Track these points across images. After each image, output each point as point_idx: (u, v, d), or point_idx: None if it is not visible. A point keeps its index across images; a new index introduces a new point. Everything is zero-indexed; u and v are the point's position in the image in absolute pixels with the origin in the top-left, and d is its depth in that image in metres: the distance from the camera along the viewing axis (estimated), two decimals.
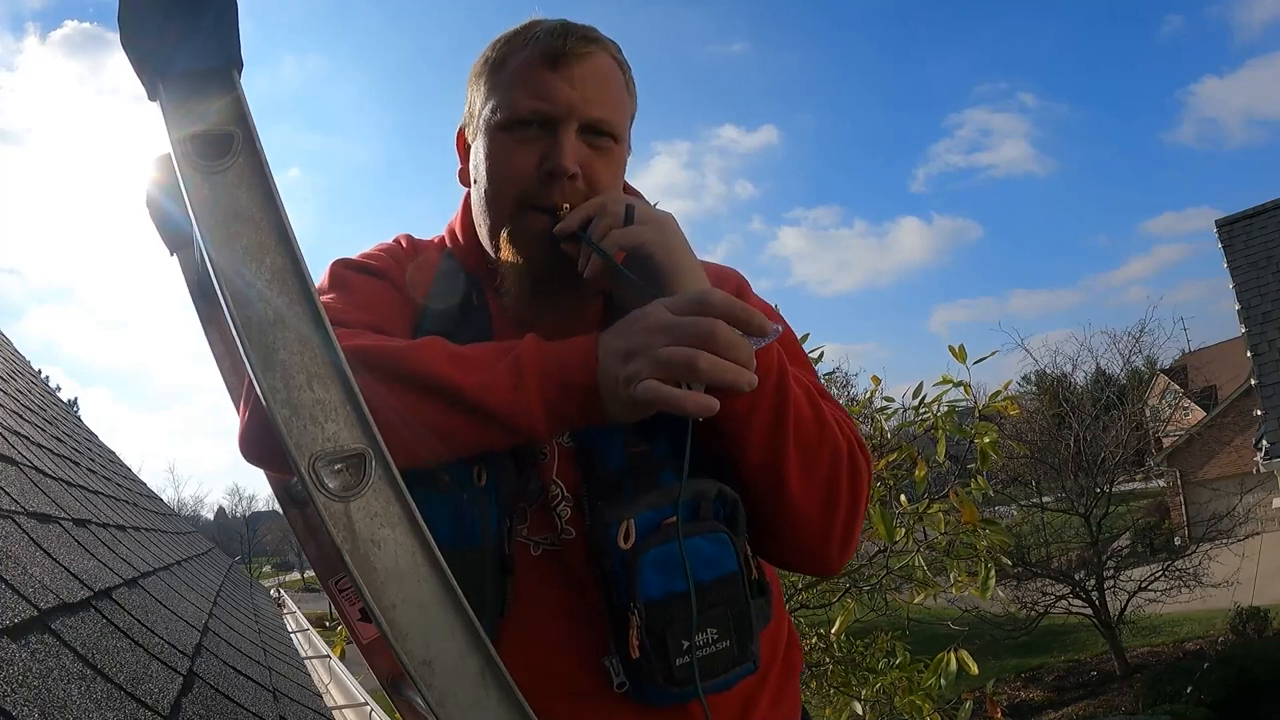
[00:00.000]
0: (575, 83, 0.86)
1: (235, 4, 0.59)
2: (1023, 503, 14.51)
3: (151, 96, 0.60)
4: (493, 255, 0.92)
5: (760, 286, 1.02)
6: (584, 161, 0.86)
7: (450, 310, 0.93)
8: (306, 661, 3.21)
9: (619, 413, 0.75)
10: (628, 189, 1.01)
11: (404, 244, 1.00)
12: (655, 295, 0.77)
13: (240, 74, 0.60)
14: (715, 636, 0.79)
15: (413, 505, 0.58)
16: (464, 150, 0.97)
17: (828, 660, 4.42)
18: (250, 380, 0.65)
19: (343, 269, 0.95)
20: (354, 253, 0.99)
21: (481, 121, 0.91)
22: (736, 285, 0.98)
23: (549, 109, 0.86)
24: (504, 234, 0.89)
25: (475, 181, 0.93)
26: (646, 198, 1.01)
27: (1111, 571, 11.79)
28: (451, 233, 1.00)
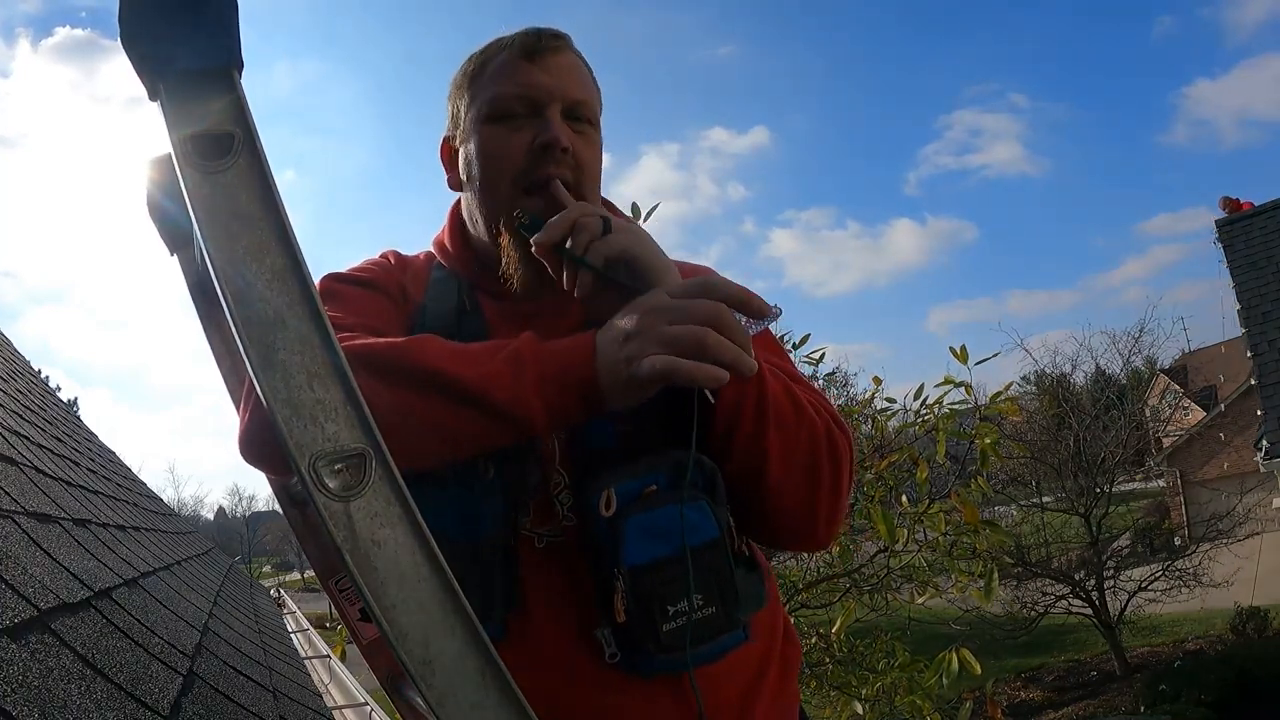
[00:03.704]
0: (553, 71, 0.93)
1: (235, 4, 0.59)
2: (1023, 503, 14.49)
3: (152, 96, 0.60)
4: (491, 245, 0.94)
5: (755, 288, 1.03)
6: (573, 141, 0.91)
7: (445, 316, 0.94)
8: (306, 661, 3.21)
9: (620, 396, 0.76)
10: (608, 203, 1.04)
11: (392, 259, 1.03)
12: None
13: (240, 74, 0.60)
14: (701, 602, 0.80)
15: (413, 505, 0.58)
16: (450, 160, 1.00)
17: (828, 660, 4.42)
18: (250, 380, 0.65)
19: (334, 282, 0.97)
20: (350, 256, 1.03)
21: (469, 122, 0.95)
22: None
23: (533, 93, 0.92)
24: (503, 219, 0.92)
25: (468, 179, 0.96)
26: (637, 202, 1.04)
27: (1111, 571, 11.77)
28: (440, 244, 1.02)
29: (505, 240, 0.91)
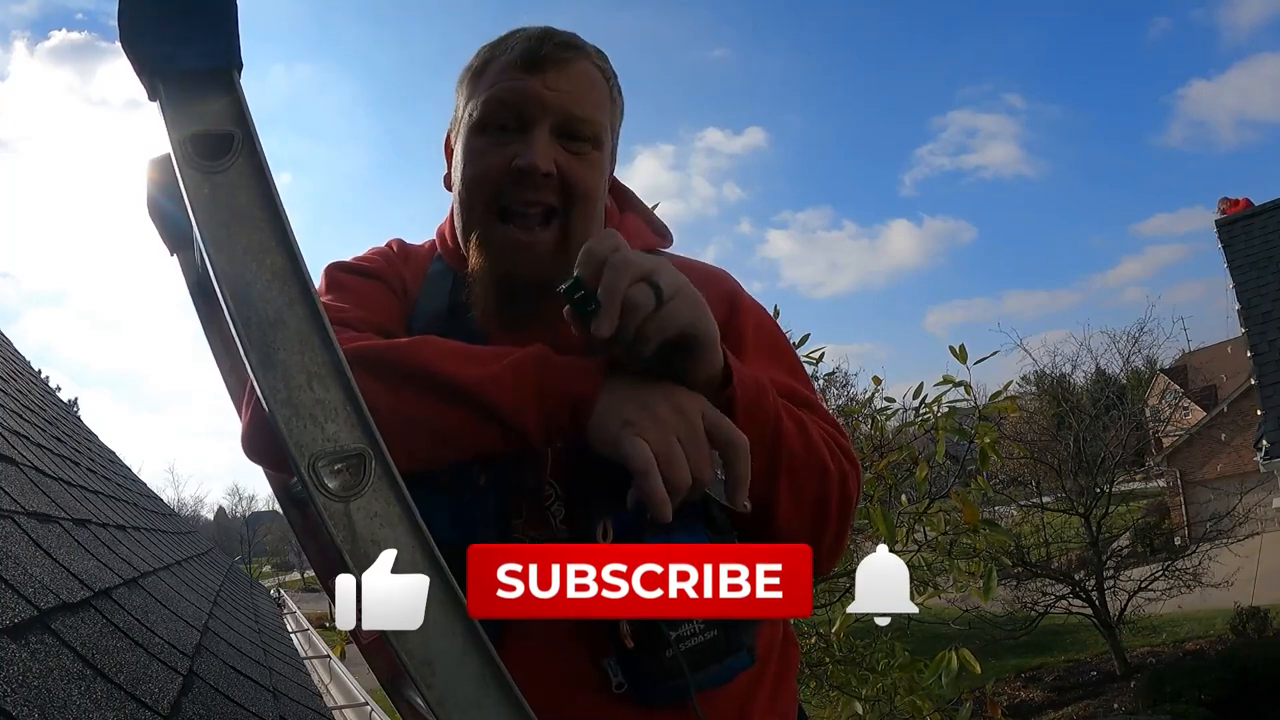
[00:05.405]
0: (551, 85, 0.86)
1: (235, 5, 0.59)
2: (1023, 503, 14.48)
3: (152, 97, 0.60)
4: (465, 259, 0.92)
5: (752, 290, 1.03)
6: (561, 164, 0.86)
7: (440, 311, 0.93)
8: (306, 661, 3.21)
9: (597, 440, 0.74)
10: (621, 189, 1.01)
11: (395, 248, 1.02)
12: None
13: (240, 75, 0.60)
14: (702, 627, 0.79)
15: (413, 505, 0.58)
16: (450, 155, 0.98)
17: (828, 660, 4.41)
18: (250, 380, 0.65)
19: (337, 271, 0.96)
20: (347, 256, 1.01)
21: (462, 125, 0.92)
22: (729, 290, 0.97)
23: (523, 108, 0.86)
24: (474, 239, 0.89)
25: (455, 185, 0.94)
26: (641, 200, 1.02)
27: (1111, 571, 11.77)
28: (441, 236, 1.01)
29: (475, 263, 0.89)
